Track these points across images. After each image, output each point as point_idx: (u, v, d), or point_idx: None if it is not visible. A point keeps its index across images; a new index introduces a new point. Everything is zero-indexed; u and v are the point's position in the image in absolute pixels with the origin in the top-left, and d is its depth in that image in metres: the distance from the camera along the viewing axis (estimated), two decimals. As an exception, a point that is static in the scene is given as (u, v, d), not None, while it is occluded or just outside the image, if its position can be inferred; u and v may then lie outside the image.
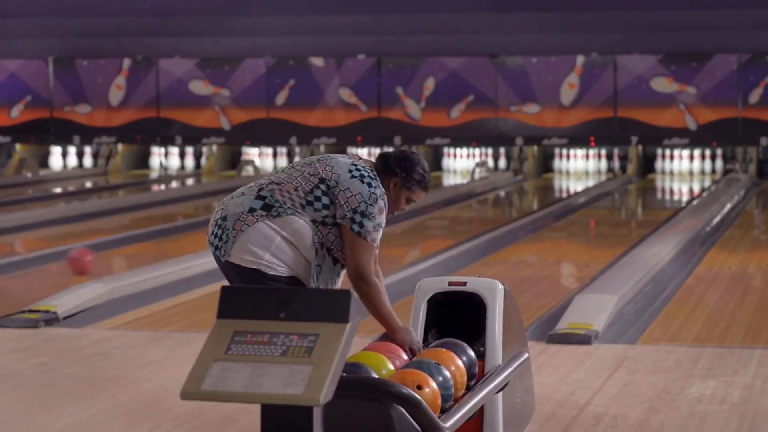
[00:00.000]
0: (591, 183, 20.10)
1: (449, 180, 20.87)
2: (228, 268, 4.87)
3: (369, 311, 4.75)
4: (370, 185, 4.82)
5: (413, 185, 4.98)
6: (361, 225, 4.78)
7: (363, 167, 4.89)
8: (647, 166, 21.26)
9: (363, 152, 21.82)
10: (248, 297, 4.01)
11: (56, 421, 5.93)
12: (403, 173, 4.94)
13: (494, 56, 20.83)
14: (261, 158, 22.34)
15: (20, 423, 5.89)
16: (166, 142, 22.24)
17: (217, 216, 4.89)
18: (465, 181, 20.43)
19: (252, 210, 4.81)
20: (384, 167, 4.95)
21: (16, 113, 22.49)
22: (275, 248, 4.79)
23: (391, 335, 4.94)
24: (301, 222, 4.80)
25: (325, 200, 4.82)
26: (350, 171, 4.84)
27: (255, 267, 4.79)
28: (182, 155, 22.66)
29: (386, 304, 4.90)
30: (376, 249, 4.93)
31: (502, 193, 19.18)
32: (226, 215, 4.85)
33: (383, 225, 4.88)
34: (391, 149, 21.82)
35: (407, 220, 14.78)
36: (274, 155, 22.28)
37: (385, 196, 4.88)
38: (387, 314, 4.89)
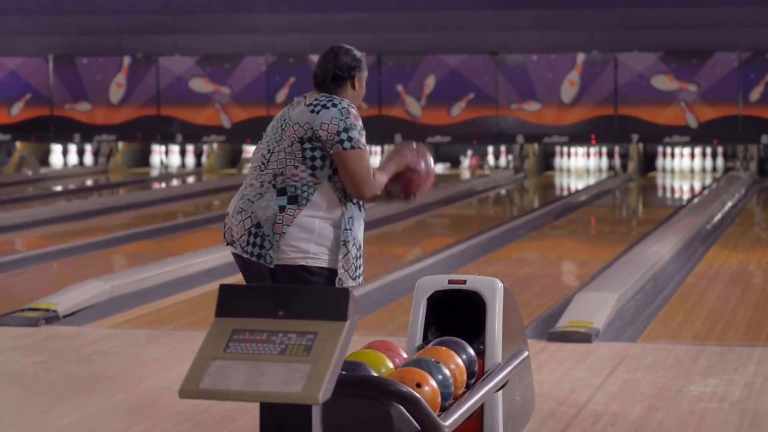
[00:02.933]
0: (592, 181, 20.10)
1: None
2: (273, 274, 4.83)
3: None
4: (334, 105, 4.87)
5: (363, 65, 5.09)
6: (349, 138, 4.84)
7: (316, 99, 4.90)
8: (648, 163, 21.24)
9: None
10: (247, 295, 4.01)
11: (56, 419, 5.93)
12: (355, 64, 5.04)
13: (495, 54, 20.82)
14: (261, 156, 22.30)
15: (20, 421, 5.89)
16: (166, 140, 22.23)
17: (248, 225, 4.83)
18: (466, 177, 20.42)
19: (282, 208, 4.80)
20: (339, 78, 4.98)
21: (17, 111, 22.49)
22: (317, 237, 4.83)
23: (400, 166, 5.06)
24: (325, 193, 4.84)
25: (318, 153, 4.84)
26: (311, 111, 4.87)
27: (302, 263, 4.80)
28: (183, 153, 22.65)
29: (385, 180, 4.99)
30: (369, 156, 4.97)
31: (502, 191, 19.18)
32: (259, 222, 4.81)
33: (363, 128, 4.94)
34: (391, 147, 21.90)
35: (408, 218, 14.78)
36: (275, 153, 22.24)
37: (352, 105, 4.94)
38: (389, 175, 5.02)
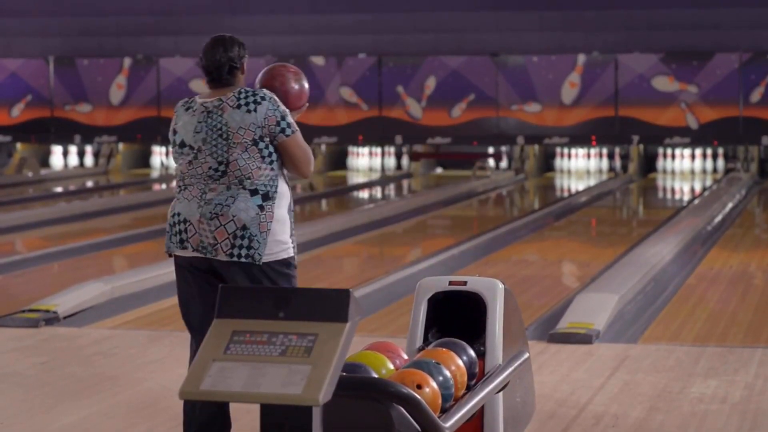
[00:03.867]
0: (592, 182, 20.09)
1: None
2: (260, 272, 4.91)
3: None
4: (262, 98, 4.94)
5: (244, 48, 5.19)
6: (288, 125, 4.95)
7: (238, 98, 4.94)
8: (648, 165, 21.24)
9: (364, 151, 21.85)
10: (247, 296, 4.00)
11: (56, 420, 5.92)
12: (243, 52, 5.14)
13: (495, 55, 20.81)
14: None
15: (20, 422, 5.89)
16: (167, 141, 22.18)
17: (231, 229, 4.88)
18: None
19: (261, 207, 4.89)
20: (234, 69, 5.06)
21: (17, 112, 22.48)
22: (288, 227, 4.99)
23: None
24: (282, 182, 4.99)
25: (271, 148, 4.95)
26: (247, 111, 4.91)
27: (285, 256, 4.95)
28: (183, 154, 22.63)
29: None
30: None
31: (503, 192, 19.17)
32: (244, 224, 4.87)
33: None
34: (392, 149, 21.97)
35: (408, 219, 14.78)
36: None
37: (268, 90, 5.03)
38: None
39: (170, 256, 5.15)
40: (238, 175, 4.89)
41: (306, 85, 5.25)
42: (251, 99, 4.93)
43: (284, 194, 4.98)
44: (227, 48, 5.06)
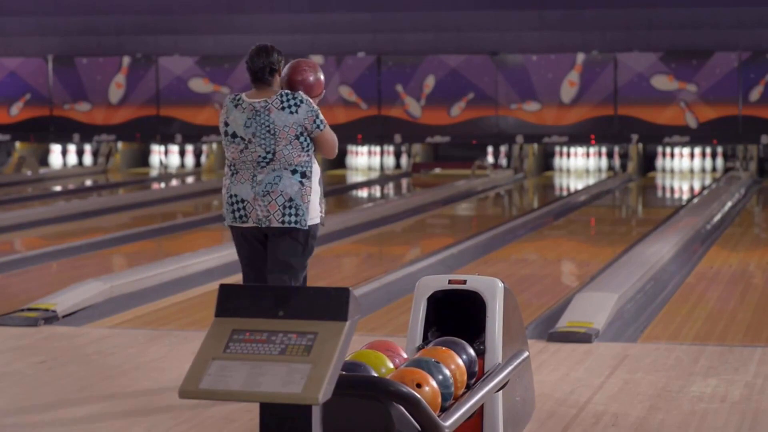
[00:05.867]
0: (591, 181, 20.09)
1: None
2: (302, 234, 6.08)
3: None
4: (301, 101, 6.09)
5: (281, 54, 6.29)
6: (321, 122, 6.11)
7: (281, 101, 6.06)
8: (647, 164, 21.24)
9: (363, 150, 21.85)
10: (247, 295, 4.00)
11: (55, 419, 5.91)
12: (281, 57, 6.23)
13: (494, 54, 20.81)
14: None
15: (19, 422, 5.88)
16: (166, 140, 22.21)
17: (281, 201, 6.04)
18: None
19: (302, 183, 6.08)
20: (273, 71, 6.16)
21: (16, 111, 22.47)
22: (319, 197, 6.19)
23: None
24: (314, 162, 6.17)
25: (308, 140, 6.11)
26: (291, 112, 6.06)
27: (318, 222, 6.18)
28: (182, 153, 22.64)
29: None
30: None
31: (502, 191, 19.17)
32: (291, 197, 6.06)
33: None
34: (391, 148, 21.97)
35: (408, 218, 14.77)
36: (274, 153, 22.23)
37: (304, 94, 6.12)
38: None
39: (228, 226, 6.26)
40: (283, 162, 6.05)
41: (321, 77, 6.35)
42: (293, 102, 6.07)
43: (316, 171, 6.17)
44: (269, 54, 6.19)
